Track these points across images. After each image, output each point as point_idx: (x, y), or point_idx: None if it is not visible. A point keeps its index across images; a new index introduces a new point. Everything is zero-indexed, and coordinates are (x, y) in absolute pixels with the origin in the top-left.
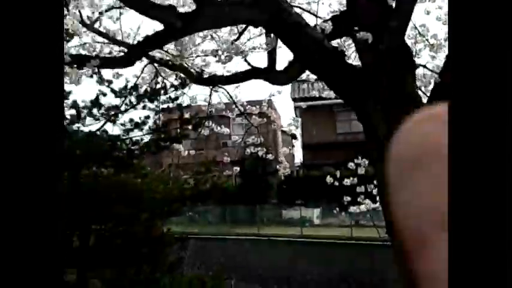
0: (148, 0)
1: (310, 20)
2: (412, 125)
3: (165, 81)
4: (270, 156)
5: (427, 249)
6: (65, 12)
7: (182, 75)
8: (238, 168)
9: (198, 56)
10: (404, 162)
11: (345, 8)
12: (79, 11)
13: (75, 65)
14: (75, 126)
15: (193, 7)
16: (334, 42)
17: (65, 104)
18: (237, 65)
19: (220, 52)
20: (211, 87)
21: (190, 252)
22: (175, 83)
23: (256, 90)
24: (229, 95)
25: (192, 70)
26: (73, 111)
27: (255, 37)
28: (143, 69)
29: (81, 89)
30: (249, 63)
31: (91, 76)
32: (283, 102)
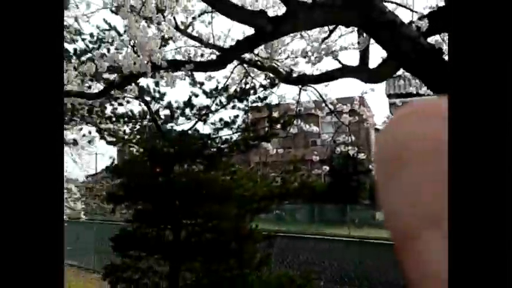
0: (239, 6)
1: (406, 15)
2: (395, 121)
3: (254, 81)
4: (361, 155)
5: (410, 247)
6: (161, 18)
7: (271, 75)
8: (327, 167)
9: (288, 57)
10: (387, 160)
11: (443, 3)
12: (173, 17)
13: (170, 69)
14: (168, 126)
15: (283, 9)
16: (432, 39)
17: (159, 105)
18: (327, 62)
19: (310, 53)
20: (300, 86)
21: (277, 250)
22: (264, 82)
23: (347, 86)
24: (319, 93)
25: (281, 70)
26: (167, 112)
27: (346, 34)
28: (233, 70)
29: (175, 91)
30: (340, 62)
31: (184, 79)
32: (377, 99)
